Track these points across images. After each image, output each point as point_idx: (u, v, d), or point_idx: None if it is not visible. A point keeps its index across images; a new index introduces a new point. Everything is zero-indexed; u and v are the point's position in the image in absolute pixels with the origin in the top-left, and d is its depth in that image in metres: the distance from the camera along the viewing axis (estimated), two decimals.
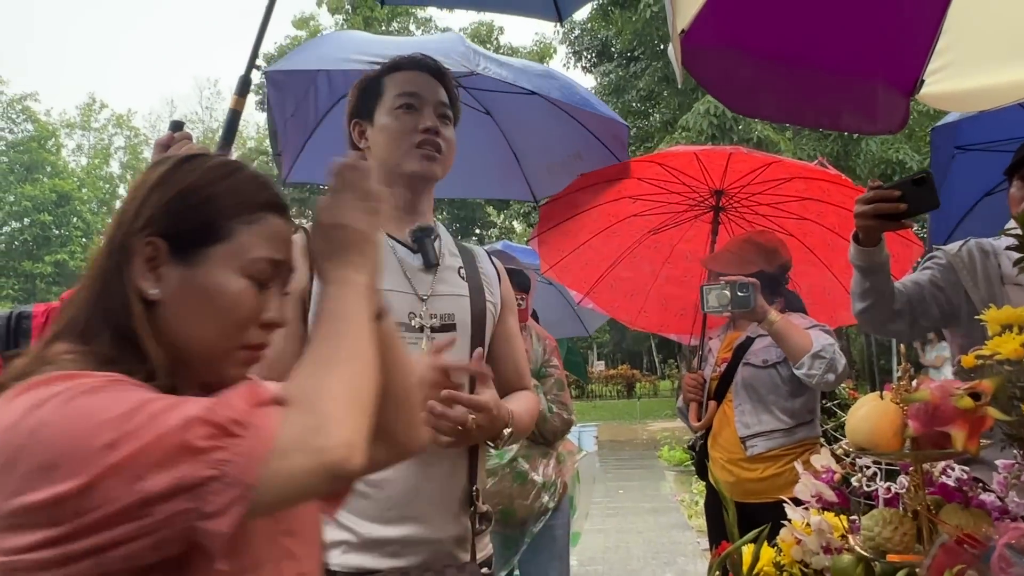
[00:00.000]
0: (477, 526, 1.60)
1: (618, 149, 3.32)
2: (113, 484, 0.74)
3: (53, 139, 34.06)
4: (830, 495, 1.49)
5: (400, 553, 1.50)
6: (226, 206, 0.94)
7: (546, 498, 2.92)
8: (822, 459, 1.55)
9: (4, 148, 32.47)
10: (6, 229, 31.48)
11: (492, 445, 1.58)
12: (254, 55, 1.77)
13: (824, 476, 1.53)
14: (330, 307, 0.94)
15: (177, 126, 1.59)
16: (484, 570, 1.64)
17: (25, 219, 30.94)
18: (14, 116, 33.20)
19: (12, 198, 30.89)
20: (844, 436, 1.43)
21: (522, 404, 1.71)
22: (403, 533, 1.50)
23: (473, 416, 1.46)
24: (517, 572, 3.10)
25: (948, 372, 8.02)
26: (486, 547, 1.67)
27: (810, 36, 1.93)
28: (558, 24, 2.66)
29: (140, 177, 0.96)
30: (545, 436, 2.95)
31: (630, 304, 3.99)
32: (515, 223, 24.22)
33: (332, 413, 0.84)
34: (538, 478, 2.90)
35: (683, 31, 1.56)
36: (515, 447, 2.89)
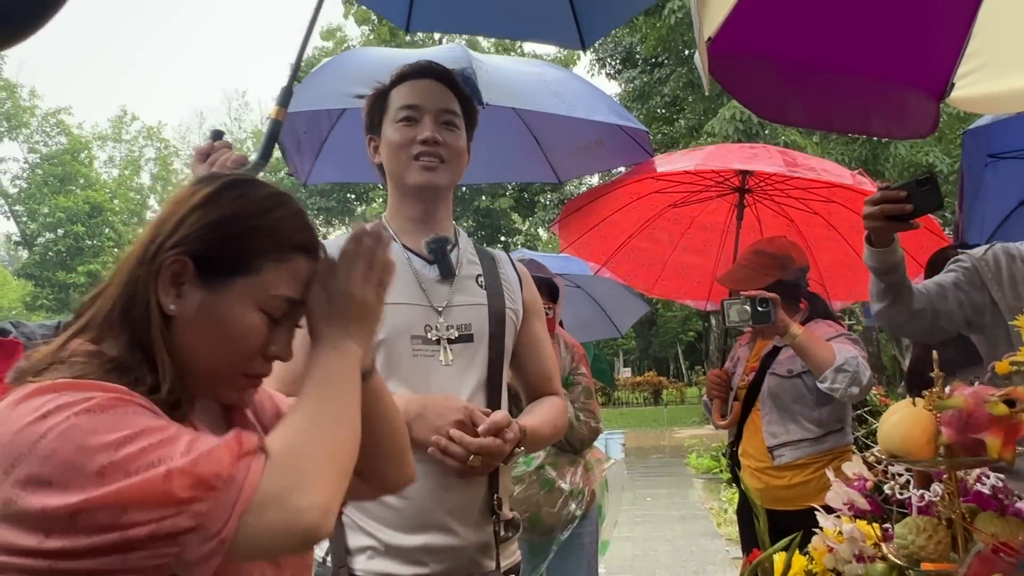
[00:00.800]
0: (502, 534, 1.60)
1: (644, 142, 3.37)
2: (99, 516, 0.76)
3: (86, 151, 34.66)
4: (862, 503, 1.48)
5: (424, 560, 1.51)
6: (262, 242, 0.95)
7: (573, 506, 2.91)
8: (854, 466, 1.54)
9: (39, 161, 33.11)
10: (41, 240, 32.07)
11: (503, 461, 1.58)
12: (296, 67, 1.80)
13: (856, 484, 1.52)
14: (323, 372, 0.95)
15: (217, 135, 1.62)
16: None
17: (59, 230, 31.49)
18: (48, 129, 33.87)
19: (47, 210, 31.47)
20: (875, 443, 1.42)
21: (544, 415, 1.70)
22: (426, 541, 1.51)
23: (473, 456, 1.47)
24: None
25: None
26: (513, 555, 1.67)
27: (838, 41, 1.92)
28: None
29: (184, 192, 0.97)
30: (572, 444, 2.94)
31: (648, 272, 4.08)
32: (540, 230, 24.22)
33: (312, 474, 0.85)
34: (565, 486, 2.90)
35: (710, 39, 1.56)
36: (542, 454, 2.88)
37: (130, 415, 0.81)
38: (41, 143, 33.65)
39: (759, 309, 2.73)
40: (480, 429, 1.48)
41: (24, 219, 32.32)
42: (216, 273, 0.93)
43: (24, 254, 33.24)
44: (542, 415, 1.70)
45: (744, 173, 3.36)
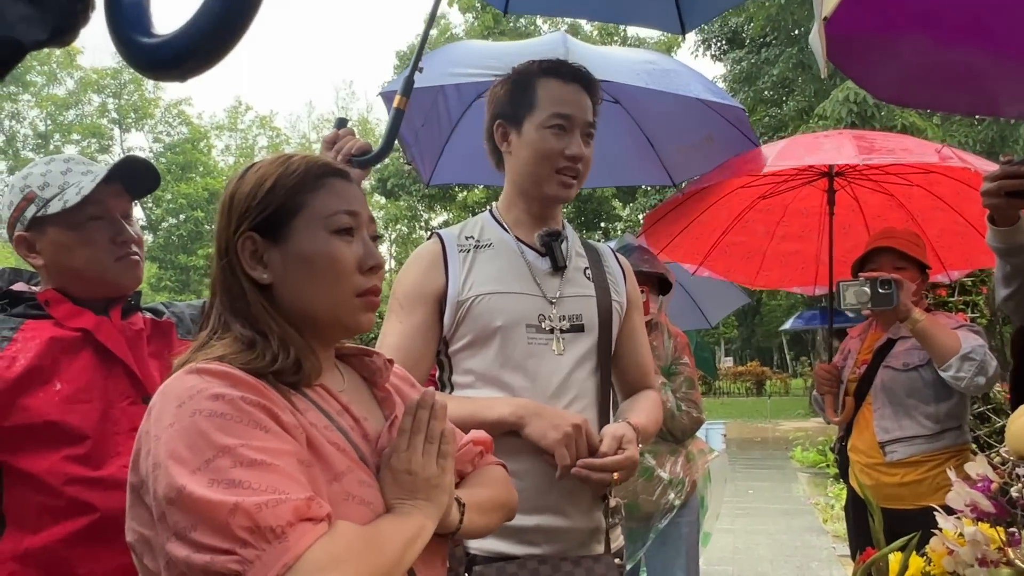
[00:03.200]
0: (610, 520, 1.65)
1: (747, 131, 3.30)
2: (176, 518, 0.85)
3: (205, 140, 36.50)
4: (986, 505, 1.41)
5: (538, 541, 1.56)
6: (290, 184, 1.05)
7: (672, 495, 2.88)
8: (977, 467, 1.46)
9: (162, 150, 35.09)
10: (164, 225, 34.03)
11: None
12: (418, 57, 1.86)
13: (980, 484, 1.44)
14: (389, 526, 0.97)
15: (341, 123, 1.71)
16: (617, 560, 1.68)
17: (180, 215, 33.34)
18: (170, 120, 35.83)
19: (169, 196, 33.32)
20: (998, 443, 1.35)
21: (648, 411, 1.73)
22: (540, 522, 1.56)
23: (615, 475, 1.53)
24: (644, 569, 3.08)
25: None
26: (618, 538, 1.73)
27: (967, 18, 1.81)
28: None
29: (221, 196, 1.09)
30: (674, 434, 2.92)
31: (747, 266, 3.98)
32: (641, 216, 23.89)
33: (349, 570, 0.88)
34: (664, 475, 2.88)
35: (826, 18, 1.50)
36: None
37: (232, 426, 0.89)
38: (164, 133, 35.66)
39: (880, 291, 2.53)
40: (599, 456, 1.53)
41: (149, 205, 34.31)
42: (277, 228, 1.04)
43: (149, 238, 35.31)
44: (646, 411, 1.73)
45: None
